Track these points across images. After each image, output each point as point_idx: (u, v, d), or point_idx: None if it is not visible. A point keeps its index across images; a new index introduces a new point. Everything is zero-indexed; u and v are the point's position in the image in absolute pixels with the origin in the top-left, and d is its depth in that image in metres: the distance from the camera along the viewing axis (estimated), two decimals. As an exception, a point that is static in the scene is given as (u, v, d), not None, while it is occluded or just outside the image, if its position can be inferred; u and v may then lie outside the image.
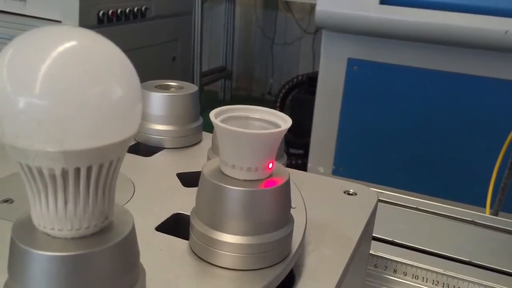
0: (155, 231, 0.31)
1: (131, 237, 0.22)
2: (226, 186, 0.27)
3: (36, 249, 0.20)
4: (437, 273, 0.49)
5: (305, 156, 1.71)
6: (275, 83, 3.05)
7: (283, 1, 2.90)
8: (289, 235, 0.29)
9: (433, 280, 0.49)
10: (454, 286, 0.48)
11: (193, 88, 0.45)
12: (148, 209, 0.34)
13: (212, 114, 0.28)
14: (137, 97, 0.20)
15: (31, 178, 0.20)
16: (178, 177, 0.39)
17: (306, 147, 1.55)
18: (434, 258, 0.52)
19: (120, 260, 0.21)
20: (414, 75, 1.29)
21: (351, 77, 1.36)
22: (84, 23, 1.43)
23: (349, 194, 0.42)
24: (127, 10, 1.59)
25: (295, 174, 0.44)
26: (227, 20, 3.03)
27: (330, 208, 0.40)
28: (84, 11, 1.44)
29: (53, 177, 0.19)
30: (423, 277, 0.49)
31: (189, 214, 0.30)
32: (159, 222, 0.32)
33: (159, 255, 0.29)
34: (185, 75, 2.09)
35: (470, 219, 0.59)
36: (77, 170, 0.19)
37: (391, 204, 0.62)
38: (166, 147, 0.44)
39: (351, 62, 1.36)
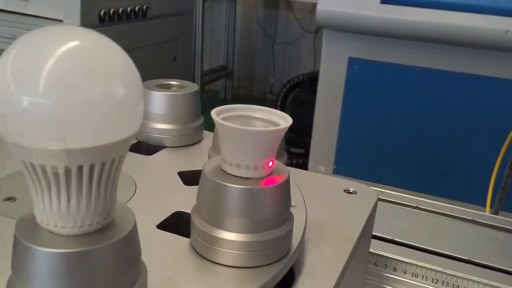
0: (157, 229, 0.31)
1: (133, 234, 0.22)
2: (226, 184, 0.27)
3: (39, 246, 0.20)
4: (436, 271, 0.49)
5: (305, 155, 1.72)
6: (276, 83, 3.05)
7: (284, 0, 2.91)
8: (289, 233, 0.30)
9: (433, 278, 0.49)
10: (454, 285, 0.49)
11: (194, 87, 0.46)
12: (149, 207, 0.34)
13: (213, 112, 0.29)
14: (139, 96, 0.21)
15: (34, 176, 0.20)
16: (179, 176, 0.39)
17: (307, 146, 1.56)
18: (434, 256, 0.52)
19: (122, 257, 0.22)
20: (415, 74, 1.29)
21: (352, 77, 1.37)
22: (85, 22, 1.43)
23: (349, 192, 0.43)
24: (129, 9, 1.59)
25: (295, 173, 0.44)
26: (228, 19, 3.04)
27: (330, 207, 0.40)
28: (85, 10, 1.44)
29: (56, 175, 0.20)
30: (423, 275, 0.49)
31: (190, 212, 0.30)
32: (160, 220, 0.32)
33: (160, 253, 0.29)
34: (186, 74, 2.09)
35: (470, 218, 0.60)
36: (80, 168, 0.20)
37: (391, 203, 0.62)
38: (167, 146, 0.44)
39: (352, 62, 1.36)
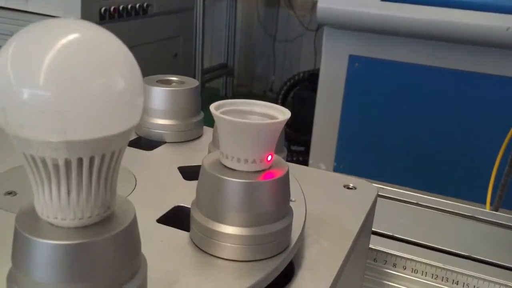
0: (157, 223, 0.32)
1: (133, 227, 0.22)
2: (225, 178, 0.27)
3: (39, 238, 0.20)
4: (436, 267, 0.49)
5: (306, 153, 1.72)
6: (276, 80, 3.05)
7: (284, -2, 2.90)
8: (288, 227, 0.30)
9: (433, 274, 0.49)
10: (454, 280, 0.49)
11: (194, 82, 0.46)
12: (149, 201, 0.34)
13: (212, 107, 0.29)
14: (139, 88, 0.21)
15: (34, 168, 0.20)
16: (179, 171, 0.39)
17: (307, 144, 1.56)
18: (434, 252, 0.52)
19: (122, 249, 0.22)
20: (415, 72, 1.29)
21: (353, 74, 1.37)
22: (86, 19, 1.43)
23: (348, 188, 0.43)
24: (129, 7, 1.60)
25: (295, 168, 0.44)
26: (228, 17, 3.04)
27: (330, 202, 0.40)
28: (86, 7, 1.44)
29: (56, 167, 0.20)
30: (423, 271, 0.50)
31: (189, 206, 0.30)
32: (160, 214, 0.32)
33: (160, 246, 0.29)
34: (187, 72, 2.09)
35: (470, 214, 0.60)
36: (80, 160, 0.20)
37: (391, 199, 0.62)
38: (167, 141, 0.44)
39: (352, 59, 1.36)
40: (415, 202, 0.61)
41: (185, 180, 0.38)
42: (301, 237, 0.32)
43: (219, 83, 3.14)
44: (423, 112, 1.32)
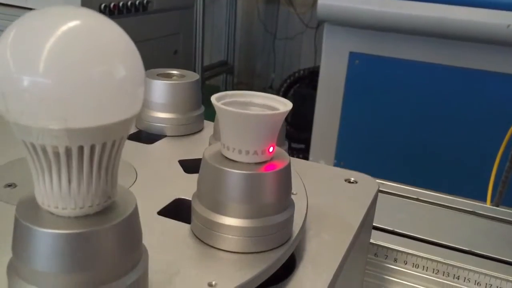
0: (157, 215, 0.31)
1: (134, 216, 0.22)
2: (226, 169, 0.27)
3: (40, 227, 0.20)
4: (437, 261, 0.49)
5: (306, 150, 1.72)
6: (276, 78, 3.05)
7: (285, -4, 2.90)
8: (290, 219, 0.30)
9: (433, 269, 0.49)
10: (454, 275, 0.49)
11: (194, 76, 0.46)
12: (150, 194, 0.34)
13: (213, 98, 0.29)
14: (140, 77, 0.21)
15: (35, 156, 0.20)
16: (180, 164, 0.39)
17: (307, 141, 1.56)
18: (435, 247, 0.52)
19: (122, 239, 0.22)
20: (416, 69, 1.29)
21: (353, 71, 1.36)
22: (86, 16, 1.43)
23: (350, 182, 0.42)
24: (129, 3, 1.59)
25: (296, 163, 0.44)
26: (228, 14, 3.03)
27: (331, 195, 0.40)
28: (86, 4, 1.44)
29: (56, 155, 0.19)
30: (424, 266, 0.49)
31: (190, 199, 0.30)
32: (161, 207, 0.32)
33: (162, 238, 0.29)
34: (187, 69, 2.09)
35: (471, 210, 0.60)
36: (81, 149, 0.20)
37: (392, 195, 0.62)
38: (168, 135, 0.44)
39: (352, 56, 1.35)
40: (415, 197, 0.61)
41: (185, 173, 0.38)
42: (303, 230, 0.32)
43: (219, 80, 3.14)
44: (424, 109, 1.31)
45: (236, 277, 0.26)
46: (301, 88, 2.20)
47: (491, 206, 0.64)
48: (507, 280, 0.47)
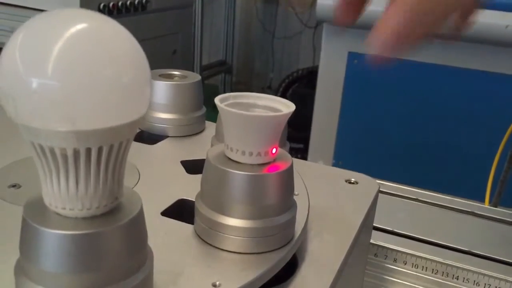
0: (161, 216, 0.32)
1: (140, 217, 0.23)
2: (230, 170, 0.28)
3: (48, 228, 0.20)
4: (436, 262, 0.49)
5: (305, 150, 1.72)
6: (275, 77, 3.05)
7: (283, -5, 2.90)
8: (292, 220, 0.30)
9: (433, 269, 0.49)
10: (454, 275, 0.49)
11: (196, 77, 0.46)
12: (153, 194, 0.34)
13: (217, 99, 0.29)
14: (147, 79, 0.21)
15: (43, 158, 0.20)
16: (182, 165, 0.39)
17: (306, 141, 1.56)
18: (434, 247, 0.52)
19: (129, 240, 0.22)
20: (414, 69, 1.29)
21: (352, 71, 1.37)
22: (85, 15, 1.43)
23: (350, 183, 0.43)
24: (128, 3, 1.59)
25: (297, 163, 0.45)
26: (227, 14, 3.03)
27: (332, 196, 0.40)
28: (85, 3, 1.44)
29: (64, 157, 0.20)
30: (423, 266, 0.50)
31: (193, 200, 0.30)
32: (164, 207, 0.33)
33: (165, 239, 0.29)
34: (186, 68, 2.09)
35: (470, 210, 0.60)
36: (88, 151, 0.20)
37: (392, 195, 0.62)
38: (170, 135, 0.45)
39: (351, 56, 1.36)
40: (414, 197, 0.62)
41: (188, 174, 0.38)
42: (305, 230, 0.32)
43: (218, 80, 3.14)
44: (422, 109, 1.32)
45: (240, 278, 0.26)
46: (300, 87, 2.21)
47: (490, 207, 0.65)
48: (506, 281, 0.47)
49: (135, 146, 0.42)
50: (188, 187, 0.35)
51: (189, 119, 0.45)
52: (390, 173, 1.34)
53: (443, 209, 0.60)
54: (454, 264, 0.49)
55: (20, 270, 0.22)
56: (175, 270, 0.27)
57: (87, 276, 0.21)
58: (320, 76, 1.41)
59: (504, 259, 0.51)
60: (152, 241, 0.25)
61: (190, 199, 0.34)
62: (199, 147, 0.43)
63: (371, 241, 0.50)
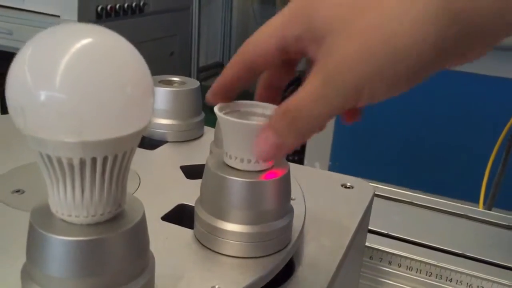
0: (161, 220, 0.32)
1: (142, 223, 0.23)
2: (229, 177, 0.28)
3: (54, 234, 0.21)
4: (430, 264, 0.50)
5: (301, 151, 1.73)
6: (272, 79, 3.05)
7: (280, -3, 2.91)
8: (289, 225, 0.31)
9: (427, 272, 0.50)
10: (447, 277, 0.50)
11: (195, 83, 0.47)
12: (153, 199, 0.35)
13: (216, 108, 0.30)
14: (150, 91, 0.22)
15: (50, 167, 0.21)
16: (182, 170, 0.40)
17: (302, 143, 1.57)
18: (428, 250, 0.53)
19: (132, 245, 0.23)
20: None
21: (348, 74, 1.37)
22: (82, 18, 1.43)
23: (346, 187, 0.44)
24: (126, 5, 1.60)
25: (293, 168, 0.45)
26: (224, 15, 3.04)
27: (328, 201, 0.41)
28: (83, 6, 1.44)
29: (71, 166, 0.20)
30: (417, 269, 0.51)
31: (192, 205, 0.31)
32: (165, 212, 0.33)
33: (166, 243, 0.30)
34: (183, 70, 2.10)
35: (463, 213, 0.61)
36: (94, 160, 0.21)
37: (387, 199, 0.63)
38: (169, 140, 0.45)
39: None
40: (409, 201, 0.63)
41: (187, 179, 0.39)
42: (301, 235, 0.33)
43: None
44: (418, 112, 1.33)
45: (238, 281, 0.27)
46: (297, 89, 2.21)
47: (483, 210, 0.66)
48: (498, 283, 0.49)
49: (135, 151, 0.43)
50: (188, 192, 0.36)
51: (188, 125, 0.45)
52: (386, 174, 1.36)
53: (437, 212, 0.61)
54: (447, 267, 0.50)
55: (27, 275, 0.23)
56: (175, 274, 0.27)
57: (92, 280, 0.22)
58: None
59: (496, 261, 0.52)
60: (153, 246, 0.25)
61: (189, 204, 0.35)
62: (198, 152, 0.44)
63: (367, 244, 0.51)
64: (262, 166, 0.29)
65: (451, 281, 0.50)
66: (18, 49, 0.21)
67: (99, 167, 0.21)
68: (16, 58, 0.20)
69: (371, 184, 0.46)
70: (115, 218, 0.23)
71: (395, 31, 0.22)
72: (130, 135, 0.21)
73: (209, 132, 0.48)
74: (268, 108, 0.31)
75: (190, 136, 0.46)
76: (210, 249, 0.30)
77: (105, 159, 0.21)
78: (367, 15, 0.22)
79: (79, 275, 0.21)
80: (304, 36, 0.25)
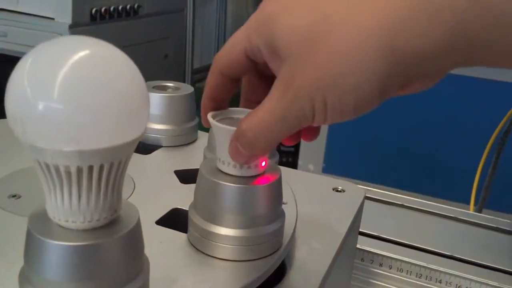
0: (156, 225, 0.33)
1: (137, 229, 0.24)
2: (222, 182, 0.29)
3: (51, 239, 0.22)
4: (420, 266, 0.51)
5: (295, 153, 1.74)
6: (266, 81, 3.06)
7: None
8: (281, 229, 0.31)
9: (417, 273, 0.51)
10: (437, 279, 0.51)
11: (189, 89, 0.48)
12: (148, 204, 0.36)
13: (209, 115, 0.30)
14: (144, 101, 0.22)
15: (48, 175, 0.21)
16: (176, 174, 0.41)
17: (296, 145, 1.58)
18: (418, 252, 0.54)
19: (127, 250, 0.23)
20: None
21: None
22: (76, 20, 1.44)
23: (337, 191, 0.45)
24: (120, 8, 1.60)
25: (286, 172, 0.46)
26: (218, 18, 3.05)
27: (319, 204, 0.42)
28: (77, 8, 1.45)
29: (68, 174, 0.21)
30: (407, 270, 0.52)
31: (186, 209, 0.32)
32: (159, 216, 0.34)
33: (160, 247, 0.31)
34: (177, 73, 2.11)
35: (453, 216, 0.62)
36: (91, 168, 0.21)
37: (378, 201, 0.64)
38: (164, 145, 0.46)
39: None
40: (400, 203, 0.64)
41: (181, 184, 0.39)
42: (293, 238, 0.34)
43: (209, 83, 3.15)
44: (410, 115, 1.34)
45: (231, 284, 0.28)
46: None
47: (473, 212, 0.67)
48: (487, 284, 0.50)
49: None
50: (182, 197, 0.36)
51: (182, 130, 0.46)
52: (379, 176, 1.37)
53: (427, 214, 0.62)
54: (437, 268, 0.51)
55: (25, 279, 0.23)
56: (169, 277, 0.28)
57: (88, 284, 0.22)
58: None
59: (485, 263, 0.53)
60: (148, 250, 0.26)
61: (183, 208, 0.35)
62: (192, 157, 0.45)
63: (358, 246, 0.52)
64: (254, 171, 0.30)
65: (440, 283, 0.51)
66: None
67: (95, 175, 0.22)
68: (15, 71, 0.21)
69: (363, 187, 0.47)
70: (111, 223, 0.23)
71: (341, 70, 0.23)
72: (126, 144, 0.22)
73: (203, 136, 0.49)
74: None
75: (184, 141, 0.47)
76: (203, 253, 0.30)
77: (101, 167, 0.22)
78: (318, 49, 0.23)
79: (75, 279, 0.22)
80: (264, 50, 0.26)
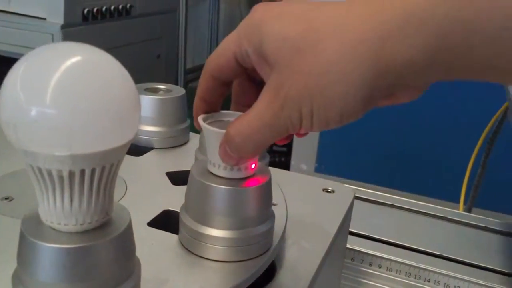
0: (147, 226, 0.34)
1: (128, 231, 0.24)
2: (212, 184, 0.30)
3: (44, 242, 0.22)
4: (409, 265, 0.52)
5: (288, 153, 1.74)
6: (258, 81, 3.06)
7: None
8: (271, 230, 0.32)
9: (406, 272, 0.52)
10: (426, 278, 0.52)
11: (181, 91, 0.48)
12: (140, 206, 0.36)
13: (200, 118, 0.31)
14: (136, 106, 0.23)
15: (40, 178, 0.22)
16: (167, 176, 0.41)
17: (289, 145, 1.58)
18: (407, 251, 0.55)
19: (118, 252, 0.24)
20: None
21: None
22: (68, 20, 1.43)
23: (327, 191, 0.45)
24: (112, 8, 1.60)
25: (277, 173, 0.47)
26: (211, 18, 3.05)
27: (309, 205, 0.42)
28: (68, 8, 1.44)
29: (60, 177, 0.22)
30: (397, 270, 0.52)
31: (178, 210, 0.32)
32: (151, 218, 0.34)
33: (152, 248, 0.31)
34: (170, 73, 2.10)
35: (442, 215, 0.63)
36: (82, 172, 0.22)
37: (368, 201, 0.65)
38: (155, 147, 0.46)
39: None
40: (390, 203, 0.64)
41: (173, 185, 0.40)
42: (282, 239, 0.34)
43: (202, 83, 3.14)
44: (401, 114, 1.35)
45: (222, 285, 0.29)
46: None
47: (462, 212, 0.68)
48: (475, 283, 0.50)
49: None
50: (173, 199, 0.37)
51: (173, 132, 0.47)
52: (371, 176, 1.38)
53: (417, 214, 0.63)
54: (426, 267, 0.52)
55: (18, 280, 0.24)
56: (161, 278, 0.28)
57: (80, 286, 0.23)
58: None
59: (473, 262, 0.54)
60: (139, 251, 0.26)
61: (175, 210, 0.36)
62: (184, 159, 0.45)
63: (348, 246, 0.52)
64: (244, 173, 0.30)
65: (429, 281, 0.51)
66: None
67: (87, 178, 0.22)
68: (8, 76, 0.21)
69: (354, 187, 0.48)
70: (103, 226, 0.24)
71: (328, 79, 0.23)
72: (117, 148, 0.22)
73: (194, 138, 0.50)
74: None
75: (176, 143, 0.47)
76: (194, 254, 0.31)
77: (93, 171, 0.22)
78: (305, 58, 0.24)
79: (67, 280, 0.22)
80: (253, 55, 0.27)
